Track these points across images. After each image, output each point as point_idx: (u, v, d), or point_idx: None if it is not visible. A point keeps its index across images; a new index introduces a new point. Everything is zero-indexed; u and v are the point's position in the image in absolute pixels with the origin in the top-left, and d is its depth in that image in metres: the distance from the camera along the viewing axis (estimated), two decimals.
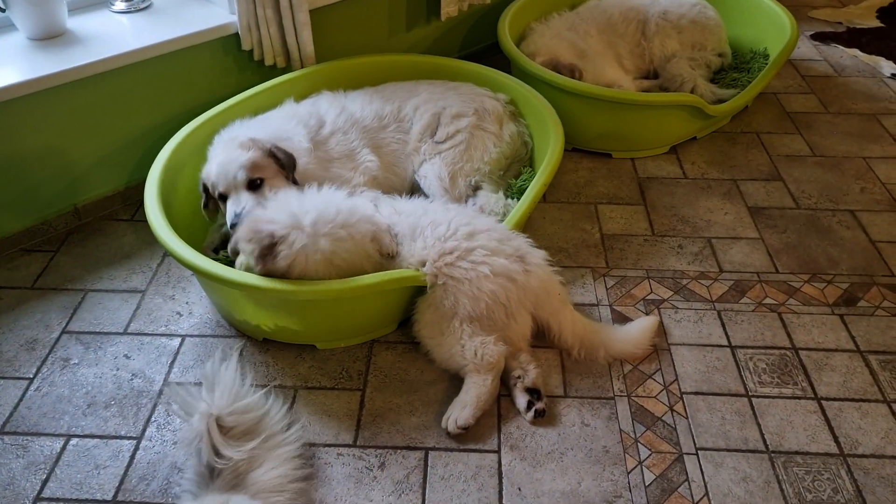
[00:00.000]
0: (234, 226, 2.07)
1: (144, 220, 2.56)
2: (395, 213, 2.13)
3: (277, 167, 2.18)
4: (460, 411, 1.90)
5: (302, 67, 2.75)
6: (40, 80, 2.32)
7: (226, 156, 2.15)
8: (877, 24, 4.05)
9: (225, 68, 2.72)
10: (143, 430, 1.92)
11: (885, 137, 3.09)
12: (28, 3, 2.40)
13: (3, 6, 2.43)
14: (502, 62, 3.05)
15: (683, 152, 2.99)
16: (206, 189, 2.23)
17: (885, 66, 3.61)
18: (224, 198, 2.17)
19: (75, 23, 2.60)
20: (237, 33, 2.64)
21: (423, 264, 2.01)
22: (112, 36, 2.55)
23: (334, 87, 2.66)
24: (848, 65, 3.65)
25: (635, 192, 2.78)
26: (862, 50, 3.77)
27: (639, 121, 2.86)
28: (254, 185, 2.15)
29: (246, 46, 2.64)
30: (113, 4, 2.70)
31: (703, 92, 3.06)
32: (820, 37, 3.91)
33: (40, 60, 2.39)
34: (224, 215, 2.19)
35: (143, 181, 2.64)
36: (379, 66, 2.84)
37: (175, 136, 2.42)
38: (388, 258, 2.04)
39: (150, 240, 2.54)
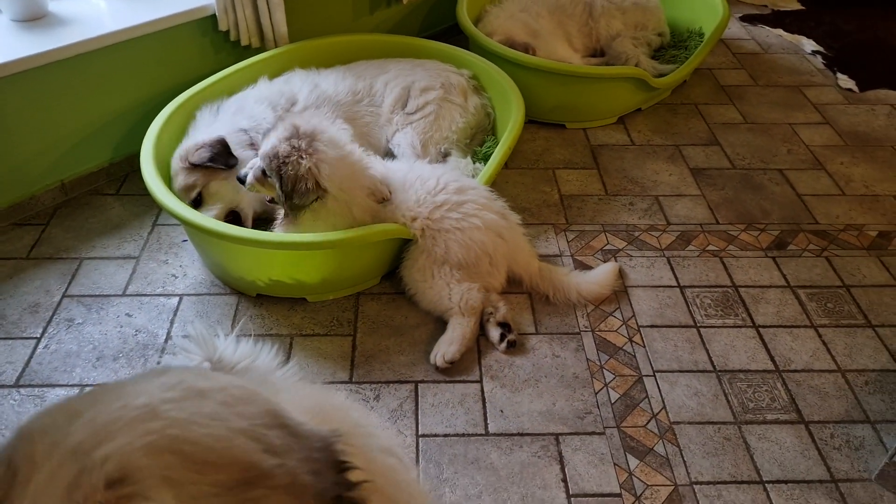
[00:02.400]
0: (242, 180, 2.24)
1: (130, 194, 2.71)
2: (385, 168, 2.32)
3: (211, 171, 2.34)
4: (447, 347, 2.11)
5: (276, 47, 2.91)
6: (26, 59, 2.42)
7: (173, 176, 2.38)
8: (798, 7, 4.42)
9: (202, 49, 2.86)
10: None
11: (807, 106, 3.42)
12: None
13: None
14: (460, 43, 3.26)
15: (630, 122, 3.27)
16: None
17: (807, 44, 3.96)
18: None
19: (56, 6, 2.69)
20: (214, 15, 2.77)
21: (414, 219, 2.21)
22: (92, 18, 2.66)
23: (307, 65, 2.83)
24: (773, 43, 3.99)
25: (588, 158, 3.03)
26: (785, 30, 4.12)
27: (590, 93, 3.11)
28: (197, 202, 2.36)
29: (223, 27, 2.79)
30: None
31: (645, 67, 3.34)
32: (748, 18, 4.25)
33: (25, 41, 2.49)
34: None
35: (126, 157, 2.79)
36: (349, 45, 3.03)
37: (164, 109, 2.55)
38: (381, 203, 2.22)
39: (137, 211, 2.67)
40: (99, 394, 0.66)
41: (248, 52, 2.93)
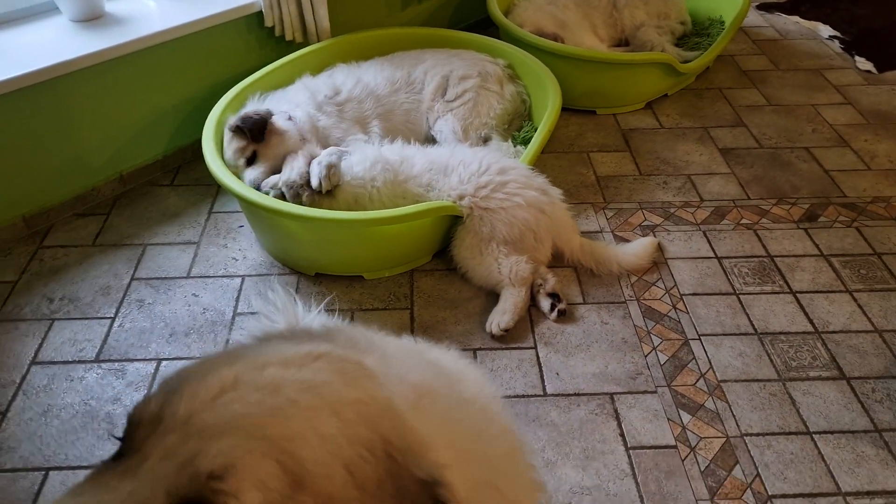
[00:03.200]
0: (257, 187, 2.39)
1: (184, 184, 2.84)
2: (427, 156, 2.44)
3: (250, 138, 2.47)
4: (501, 316, 2.23)
5: (318, 41, 3.04)
6: (86, 57, 2.54)
7: (226, 145, 2.50)
8: None
9: (248, 45, 2.98)
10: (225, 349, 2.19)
11: (829, 88, 3.53)
12: None
13: None
14: (490, 35, 3.38)
15: (658, 107, 3.38)
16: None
17: (823, 30, 4.07)
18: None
19: (112, 6, 2.82)
20: (260, 12, 2.90)
21: (461, 197, 2.33)
22: (146, 17, 2.78)
23: (348, 58, 2.96)
24: (791, 30, 4.10)
25: (620, 142, 3.15)
26: (802, 17, 4.23)
27: (619, 79, 3.22)
28: (251, 161, 2.47)
29: (268, 23, 2.91)
30: None
31: (671, 54, 3.45)
32: (764, 7, 4.36)
33: (84, 40, 2.62)
34: None
35: (178, 150, 2.92)
36: (387, 37, 3.15)
37: (219, 102, 2.67)
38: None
39: (193, 200, 2.79)
40: (248, 373, 0.69)
41: (292, 47, 3.05)
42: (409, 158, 2.43)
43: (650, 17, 3.65)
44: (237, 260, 2.52)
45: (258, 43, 3.01)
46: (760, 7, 4.35)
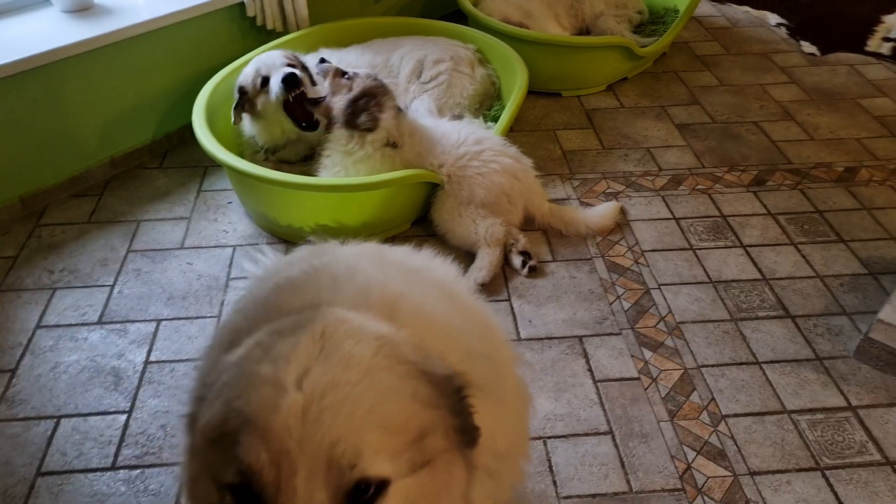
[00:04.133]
0: (286, 79, 2.51)
1: (173, 167, 2.99)
2: (416, 123, 2.61)
3: (302, 67, 2.66)
4: (478, 273, 2.41)
5: (297, 30, 3.21)
6: (77, 45, 2.68)
7: (264, 55, 2.64)
8: None
9: (231, 34, 3.14)
10: (220, 311, 2.34)
11: (775, 69, 3.79)
12: None
13: None
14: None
15: (618, 89, 3.60)
16: (241, 91, 2.63)
17: (771, 18, 4.34)
18: (266, 81, 2.58)
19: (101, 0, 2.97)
20: (241, 2, 3.06)
21: (441, 166, 2.51)
22: (133, 8, 2.93)
23: (328, 45, 3.13)
24: (741, 18, 4.37)
25: (584, 120, 3.36)
26: (751, 6, 4.50)
27: (581, 62, 3.44)
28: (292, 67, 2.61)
29: (250, 13, 3.08)
30: None
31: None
32: None
33: (75, 29, 2.76)
34: (267, 99, 2.61)
35: (166, 135, 3.07)
36: (364, 26, 3.33)
37: (205, 86, 2.82)
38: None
39: (182, 181, 2.94)
40: (312, 383, 0.76)
41: (272, 36, 3.21)
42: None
43: (609, 6, 3.88)
44: (227, 232, 2.68)
45: (240, 32, 3.17)
46: None
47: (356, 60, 3.01)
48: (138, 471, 1.87)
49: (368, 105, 2.43)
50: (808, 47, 4.00)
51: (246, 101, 2.65)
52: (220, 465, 0.76)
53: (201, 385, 0.85)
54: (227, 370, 0.80)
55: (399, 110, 2.53)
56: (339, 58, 3.00)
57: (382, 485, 0.76)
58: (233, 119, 2.69)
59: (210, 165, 3.01)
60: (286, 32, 3.22)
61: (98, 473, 1.87)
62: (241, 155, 2.66)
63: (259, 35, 3.21)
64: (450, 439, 0.82)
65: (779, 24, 4.26)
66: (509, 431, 1.04)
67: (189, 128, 3.05)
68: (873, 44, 4.04)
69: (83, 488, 1.83)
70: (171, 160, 3.06)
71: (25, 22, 2.78)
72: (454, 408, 0.83)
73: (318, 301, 0.90)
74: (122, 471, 1.87)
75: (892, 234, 2.67)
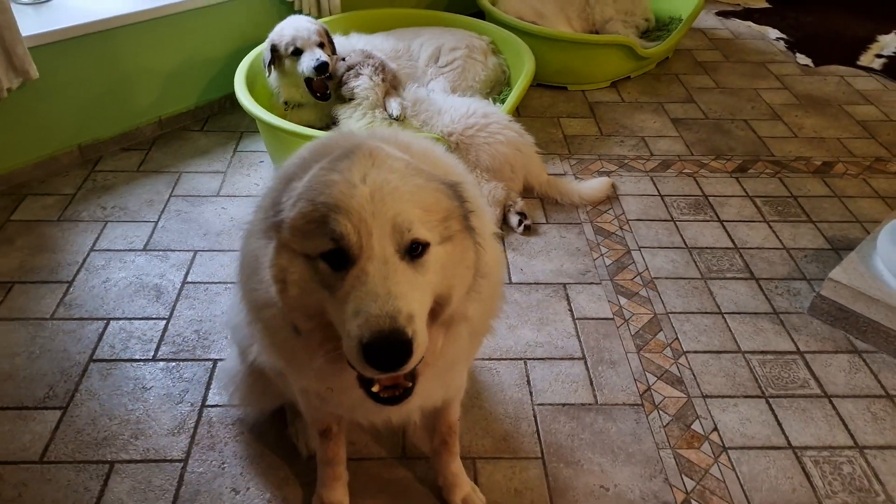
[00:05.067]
0: (318, 67, 2.87)
1: (213, 130, 3.33)
2: (426, 94, 2.95)
3: (328, 42, 2.99)
4: None
5: (329, 15, 3.56)
6: (135, 14, 3.04)
7: (300, 23, 2.95)
8: (765, 5, 5.12)
9: (270, 16, 3.49)
10: None
11: (770, 76, 4.08)
12: None
13: None
14: None
15: (621, 86, 3.91)
16: (274, 49, 2.97)
17: (772, 32, 4.64)
18: (298, 52, 2.92)
19: None
20: None
21: (450, 135, 2.83)
22: None
23: (357, 30, 3.47)
24: (743, 32, 4.67)
25: (587, 111, 3.67)
26: (754, 22, 4.80)
27: (587, 59, 3.76)
28: (321, 45, 2.94)
29: None
30: None
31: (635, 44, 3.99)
32: (723, 13, 4.94)
33: (136, 1, 3.13)
34: (295, 67, 2.97)
35: (208, 103, 3.41)
36: (390, 15, 3.68)
37: (245, 58, 3.17)
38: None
39: (221, 142, 3.28)
40: (374, 174, 1.08)
41: None
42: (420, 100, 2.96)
43: (618, 13, 4.20)
44: (258, 185, 3.01)
45: (279, 15, 3.51)
46: (719, 13, 4.92)
47: (381, 44, 3.35)
48: (174, 363, 2.19)
49: (348, 77, 2.84)
50: (803, 59, 4.29)
51: (276, 58, 2.98)
52: (310, 243, 1.07)
53: (275, 203, 1.15)
54: (300, 187, 1.11)
55: (385, 75, 2.92)
56: (367, 42, 3.34)
57: (426, 246, 1.07)
58: (266, 72, 3.02)
59: (245, 130, 3.36)
60: (320, 17, 3.57)
61: (140, 363, 2.18)
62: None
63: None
64: (461, 225, 1.13)
65: (778, 38, 4.55)
66: (490, 257, 1.32)
67: (228, 97, 3.43)
68: (866, 59, 4.33)
69: (128, 373, 2.15)
70: (211, 124, 3.41)
71: None
72: (460, 201, 1.14)
73: (359, 141, 1.21)
74: (160, 362, 2.19)
75: (858, 218, 2.93)
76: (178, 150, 3.21)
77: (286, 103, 3.07)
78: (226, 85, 3.45)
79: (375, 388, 1.13)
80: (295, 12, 3.52)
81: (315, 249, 1.06)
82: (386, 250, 1.04)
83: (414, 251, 1.06)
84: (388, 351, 1.00)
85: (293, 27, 2.96)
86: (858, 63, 4.27)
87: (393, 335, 1.00)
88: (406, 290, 1.04)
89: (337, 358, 1.14)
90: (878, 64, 4.26)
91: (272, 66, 2.99)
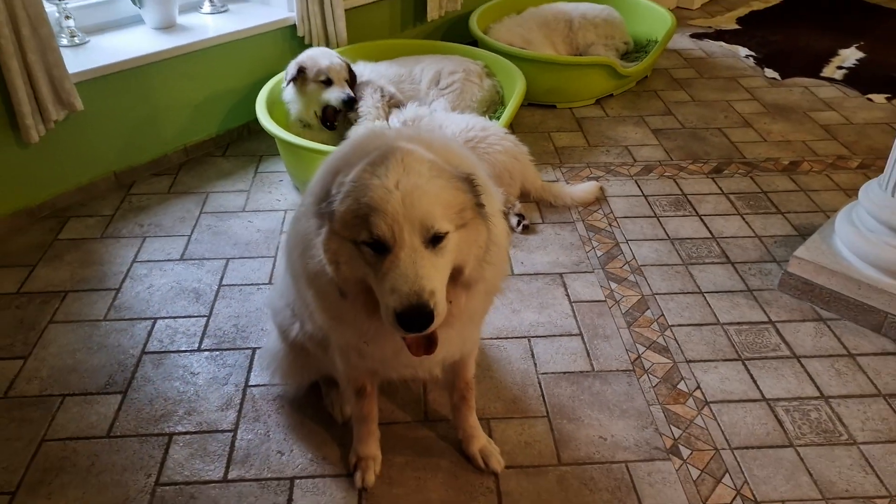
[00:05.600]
0: (346, 102, 3.22)
1: (234, 155, 3.65)
2: (428, 112, 3.27)
3: (351, 78, 3.34)
4: None
5: (337, 48, 3.91)
6: (163, 52, 3.37)
7: (333, 58, 3.29)
8: (736, 27, 5.51)
9: (282, 50, 3.85)
10: (276, 252, 2.96)
11: (741, 89, 4.43)
12: (156, 4, 3.50)
13: (138, 4, 3.52)
14: None
15: (605, 103, 4.26)
16: (301, 70, 3.28)
17: (742, 51, 5.02)
18: (328, 82, 3.27)
19: (181, 19, 3.69)
20: (294, 24, 3.78)
21: None
22: (207, 27, 3.65)
23: (363, 59, 3.82)
24: (716, 51, 5.05)
25: (575, 125, 4.01)
26: (725, 42, 5.18)
27: (572, 79, 4.11)
28: (347, 81, 3.30)
29: (300, 33, 3.79)
30: (202, 8, 3.81)
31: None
32: (696, 35, 5.32)
33: (162, 41, 3.46)
34: (319, 93, 3.32)
35: (227, 131, 3.74)
36: (392, 46, 4.03)
37: (263, 87, 3.51)
38: None
39: (243, 165, 3.60)
40: (404, 178, 1.35)
41: None
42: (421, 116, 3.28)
43: (599, 37, 4.57)
44: (279, 200, 3.31)
45: (290, 49, 3.88)
46: (693, 36, 5.31)
47: (385, 71, 3.69)
48: (217, 352, 2.46)
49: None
50: (770, 73, 4.65)
51: (301, 78, 3.30)
52: (355, 232, 1.35)
53: (325, 192, 1.44)
54: (347, 183, 1.39)
55: (384, 95, 3.39)
56: (372, 69, 3.68)
57: (445, 235, 1.35)
58: (284, 84, 3.34)
59: (264, 154, 3.68)
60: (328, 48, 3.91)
61: (187, 353, 2.46)
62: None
63: (305, 49, 3.91)
64: (474, 212, 1.42)
65: (747, 56, 4.93)
66: (498, 230, 1.60)
67: (246, 125, 3.77)
68: (828, 71, 4.69)
69: (177, 362, 2.42)
70: (232, 150, 3.73)
71: (125, 35, 3.49)
72: (473, 193, 1.43)
73: (392, 144, 1.50)
74: (205, 352, 2.47)
75: (821, 208, 3.25)
76: (203, 174, 3.53)
77: (301, 122, 3.39)
78: (245, 114, 3.79)
79: (409, 344, 1.47)
80: (306, 46, 3.86)
81: (359, 237, 1.36)
82: (414, 241, 1.33)
83: (436, 240, 1.35)
84: (416, 319, 1.32)
85: (328, 58, 3.29)
86: (821, 75, 4.64)
87: (419, 307, 1.31)
88: (430, 272, 1.33)
89: (374, 315, 1.44)
90: (839, 75, 4.62)
91: (292, 84, 3.31)
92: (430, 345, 1.47)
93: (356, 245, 1.38)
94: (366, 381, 1.91)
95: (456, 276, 1.44)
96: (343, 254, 1.41)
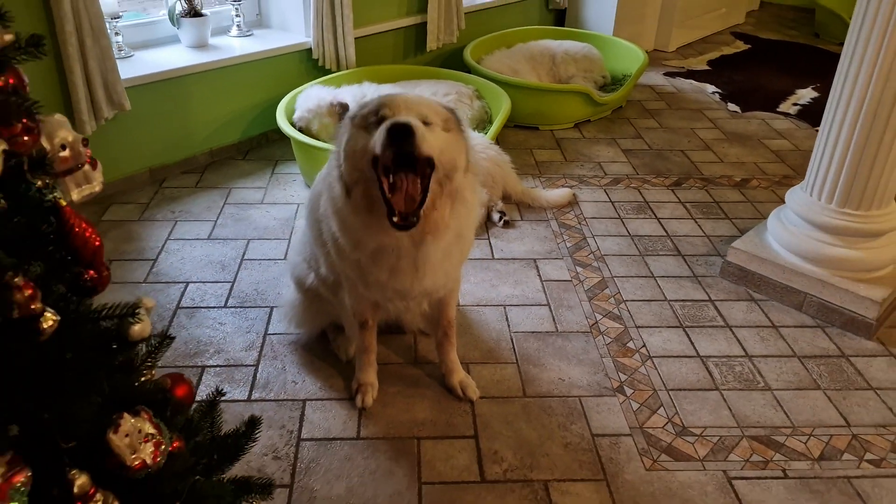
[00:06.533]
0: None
1: (254, 159, 4.15)
2: None
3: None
4: None
5: (347, 69, 4.45)
6: (197, 66, 3.90)
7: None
8: (706, 68, 6.10)
9: (299, 69, 4.38)
10: (290, 236, 3.43)
11: (704, 119, 4.98)
12: (191, 26, 4.04)
13: (176, 25, 4.05)
14: None
15: (582, 127, 4.79)
16: (344, 107, 3.77)
17: (709, 88, 5.59)
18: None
19: (212, 40, 4.23)
20: (309, 48, 4.32)
21: None
22: (234, 48, 4.18)
23: (369, 81, 4.36)
24: (685, 87, 5.62)
25: (554, 144, 4.53)
26: (695, 80, 5.76)
27: (553, 104, 4.65)
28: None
29: (315, 56, 4.33)
30: (230, 32, 4.35)
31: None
32: (669, 74, 5.91)
33: (195, 57, 3.99)
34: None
35: (248, 138, 4.24)
36: (394, 70, 4.57)
37: (282, 100, 4.03)
38: None
39: (261, 167, 4.09)
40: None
41: (328, 72, 4.44)
42: None
43: (579, 70, 5.14)
44: (293, 196, 3.80)
45: (305, 68, 4.41)
46: (666, 74, 5.89)
47: (388, 91, 4.21)
48: (241, 308, 2.92)
49: None
50: (733, 107, 5.21)
51: (344, 114, 3.79)
52: (369, 126, 1.84)
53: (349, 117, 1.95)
54: (363, 104, 1.91)
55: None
56: (376, 89, 4.19)
57: (432, 124, 1.82)
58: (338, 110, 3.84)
59: (280, 159, 4.18)
60: (339, 70, 4.45)
61: (215, 309, 2.91)
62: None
63: (318, 71, 4.45)
64: (457, 126, 1.92)
65: (714, 92, 5.50)
66: (472, 165, 2.08)
67: (265, 134, 4.28)
68: (784, 106, 5.26)
69: (207, 315, 2.88)
70: (252, 155, 4.24)
71: (164, 52, 4.02)
72: (454, 117, 1.93)
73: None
74: (230, 308, 2.92)
75: (764, 215, 3.73)
76: (226, 173, 4.02)
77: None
78: (264, 124, 4.30)
79: (396, 219, 1.83)
80: (319, 68, 4.41)
81: (369, 122, 1.86)
82: (409, 117, 1.78)
83: (427, 125, 1.81)
84: (400, 128, 1.73)
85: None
86: (778, 109, 5.20)
87: (403, 124, 1.73)
88: (416, 122, 1.76)
89: (374, 210, 1.88)
90: (794, 110, 5.18)
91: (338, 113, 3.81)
92: (411, 200, 1.82)
93: (366, 130, 1.85)
94: (368, 315, 2.37)
95: (444, 185, 1.90)
96: (358, 140, 1.87)
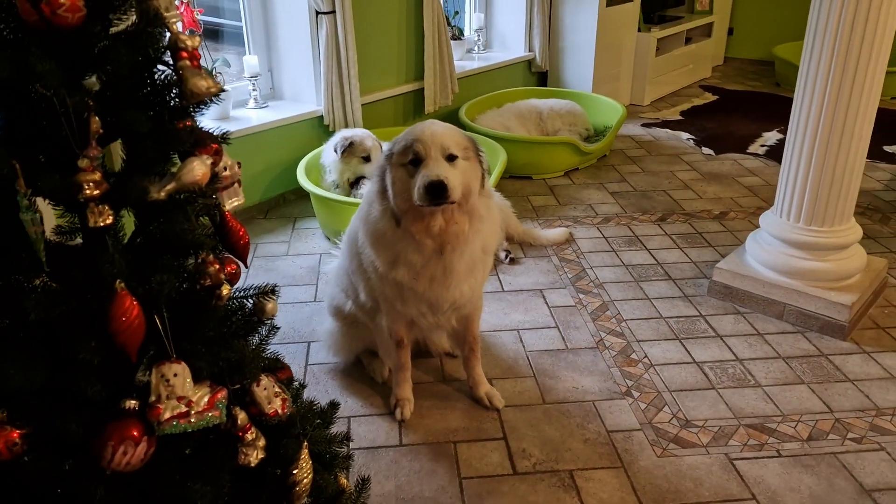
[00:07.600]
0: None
1: (275, 217, 4.52)
2: None
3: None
4: None
5: None
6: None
7: (374, 138, 4.24)
8: (679, 117, 6.63)
9: (312, 134, 4.80)
10: (317, 280, 3.76)
11: (682, 162, 5.44)
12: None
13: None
14: None
15: (572, 174, 5.23)
16: (351, 144, 4.14)
17: (684, 135, 6.09)
18: (367, 159, 4.16)
19: (233, 112, 4.65)
20: (321, 115, 4.76)
21: None
22: (252, 118, 4.61)
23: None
24: (662, 136, 6.11)
25: (548, 191, 4.95)
26: (670, 129, 6.26)
27: (544, 154, 5.09)
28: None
29: (326, 122, 4.76)
30: (248, 105, 4.79)
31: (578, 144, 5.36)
32: (646, 125, 6.41)
33: (221, 127, 4.40)
34: (358, 166, 4.21)
35: (268, 199, 4.63)
36: (397, 131, 4.99)
37: (300, 162, 4.43)
38: None
39: (282, 224, 4.46)
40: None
41: None
42: None
43: (564, 124, 5.61)
44: (315, 247, 4.16)
45: (318, 134, 4.84)
46: (644, 125, 6.40)
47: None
48: (281, 344, 3.23)
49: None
50: (706, 150, 5.69)
51: (349, 151, 4.18)
52: (405, 158, 2.20)
53: (387, 155, 2.31)
54: (400, 138, 2.27)
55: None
56: (384, 145, 4.62)
57: (456, 157, 2.19)
58: (336, 152, 4.18)
59: (299, 216, 4.55)
60: None
61: None
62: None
63: (329, 135, 4.85)
64: (475, 155, 2.29)
65: (688, 138, 5.99)
66: (487, 188, 2.46)
67: (283, 195, 4.66)
68: (753, 148, 5.74)
69: None
70: (272, 214, 4.61)
71: None
72: (473, 145, 2.30)
73: None
74: (273, 345, 3.22)
75: (742, 241, 4.14)
76: (250, 230, 4.38)
77: (334, 184, 4.27)
78: (282, 185, 4.68)
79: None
80: (331, 132, 4.83)
81: (406, 160, 2.23)
82: (437, 156, 2.18)
83: (450, 159, 2.20)
84: (436, 187, 2.12)
85: (371, 140, 4.20)
86: (747, 151, 5.68)
87: (437, 182, 2.12)
88: (445, 171, 2.16)
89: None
90: (762, 150, 5.67)
91: (340, 153, 4.19)
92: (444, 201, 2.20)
93: (405, 167, 2.23)
94: (403, 334, 2.69)
95: (462, 204, 2.27)
96: (399, 178, 2.25)
